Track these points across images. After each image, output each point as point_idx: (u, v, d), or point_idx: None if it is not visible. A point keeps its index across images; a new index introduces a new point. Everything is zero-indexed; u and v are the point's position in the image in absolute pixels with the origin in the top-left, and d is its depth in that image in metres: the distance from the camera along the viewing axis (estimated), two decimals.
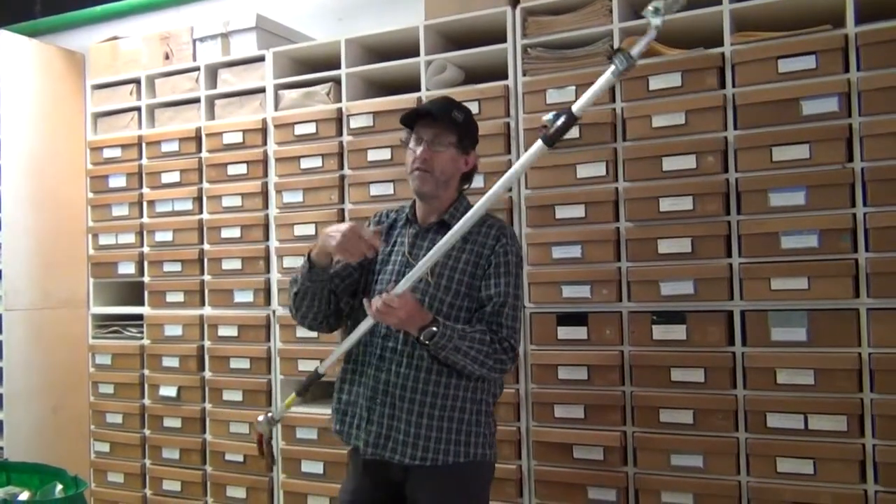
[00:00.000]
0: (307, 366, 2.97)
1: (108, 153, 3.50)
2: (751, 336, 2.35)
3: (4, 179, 3.52)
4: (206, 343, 3.23)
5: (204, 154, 3.27)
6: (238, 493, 3.13)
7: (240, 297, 3.15)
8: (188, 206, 3.28)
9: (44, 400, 3.59)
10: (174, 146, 3.33)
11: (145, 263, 3.38)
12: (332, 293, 2.04)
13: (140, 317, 3.42)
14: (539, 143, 1.88)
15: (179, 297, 3.29)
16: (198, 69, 3.31)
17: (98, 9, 3.91)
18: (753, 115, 2.36)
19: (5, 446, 3.45)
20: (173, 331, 3.30)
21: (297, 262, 2.90)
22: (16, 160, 3.56)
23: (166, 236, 3.32)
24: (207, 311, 3.23)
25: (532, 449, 2.62)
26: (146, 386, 3.36)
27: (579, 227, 2.57)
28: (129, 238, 3.43)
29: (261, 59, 3.18)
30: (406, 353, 1.96)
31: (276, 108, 3.14)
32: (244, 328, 3.14)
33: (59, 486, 2.73)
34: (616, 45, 1.84)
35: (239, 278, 3.15)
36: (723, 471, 2.36)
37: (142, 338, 3.40)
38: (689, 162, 2.43)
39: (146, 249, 3.38)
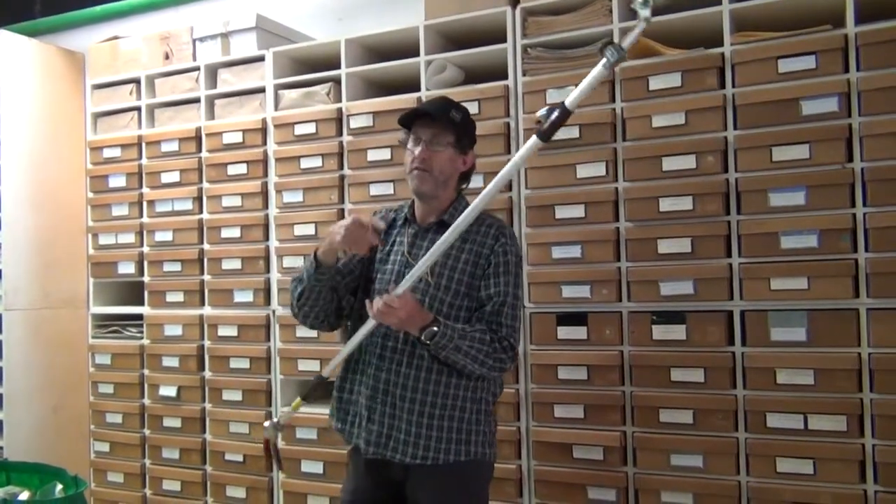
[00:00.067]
0: (307, 366, 2.98)
1: (107, 153, 3.50)
2: (751, 336, 2.35)
3: (4, 179, 3.52)
4: (206, 343, 3.23)
5: (204, 154, 3.27)
6: (238, 492, 3.13)
7: (240, 296, 3.15)
8: (188, 205, 3.28)
9: (44, 400, 3.59)
10: (174, 146, 3.33)
11: (145, 263, 3.38)
12: (334, 291, 2.04)
13: (140, 317, 3.42)
14: (533, 138, 1.89)
15: (179, 297, 3.29)
16: (198, 69, 3.32)
17: (98, 9, 3.91)
18: (753, 115, 2.36)
19: (5, 446, 3.45)
20: (173, 331, 3.30)
21: (297, 262, 2.93)
22: (16, 160, 3.56)
23: (166, 236, 3.32)
24: (207, 310, 3.23)
25: (532, 449, 2.62)
26: (146, 386, 3.37)
27: (579, 227, 2.57)
28: (129, 238, 3.43)
29: (261, 59, 3.18)
30: (406, 353, 1.97)
31: (276, 108, 3.14)
32: (244, 328, 3.14)
33: (59, 486, 2.73)
34: (624, 50, 1.85)
35: (239, 278, 3.15)
36: (722, 471, 2.36)
37: (142, 338, 3.40)
38: (688, 162, 2.43)
39: (146, 249, 3.38)
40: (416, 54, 2.85)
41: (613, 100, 2.55)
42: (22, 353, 3.53)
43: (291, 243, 3.04)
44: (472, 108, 2.66)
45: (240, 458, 3.13)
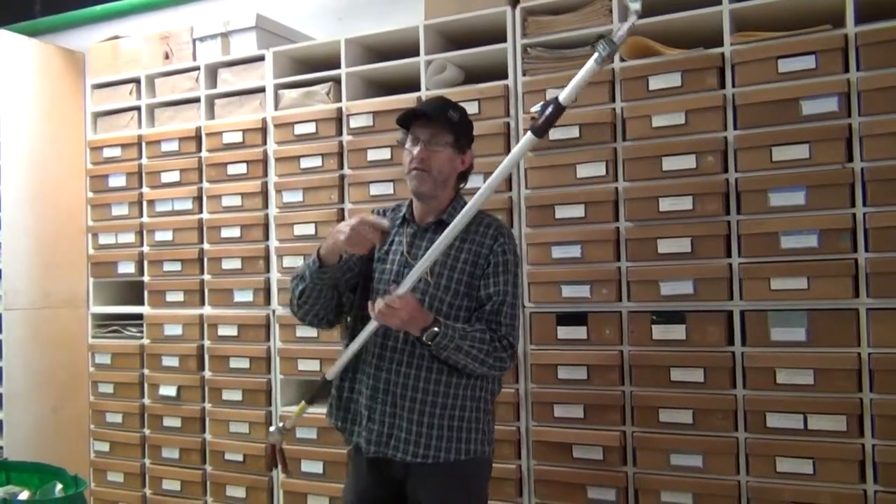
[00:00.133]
0: (307, 365, 2.98)
1: (107, 153, 3.50)
2: (750, 336, 2.35)
3: (4, 179, 3.52)
4: (206, 342, 3.23)
5: (204, 154, 3.27)
6: (238, 492, 3.13)
7: (239, 296, 3.15)
8: (188, 205, 3.28)
9: (43, 399, 3.59)
10: (174, 146, 3.33)
11: (145, 263, 3.38)
12: (334, 289, 2.04)
13: (140, 316, 3.42)
14: (528, 134, 1.90)
15: (179, 297, 3.29)
16: (198, 69, 3.32)
17: (98, 8, 3.91)
18: (753, 115, 2.36)
19: (5, 446, 3.45)
20: (173, 330, 3.30)
21: (297, 262, 2.93)
22: (16, 160, 3.56)
23: (166, 236, 3.32)
24: (207, 310, 3.23)
25: (532, 448, 2.62)
26: (146, 385, 3.37)
27: (579, 226, 2.57)
28: (129, 237, 3.43)
29: (261, 58, 3.18)
30: (406, 352, 1.98)
31: (276, 107, 3.14)
32: (244, 328, 3.14)
33: (59, 486, 2.73)
34: (615, 43, 1.86)
35: (239, 278, 3.15)
36: (722, 470, 2.36)
37: (141, 337, 3.40)
38: (688, 162, 2.43)
39: (146, 249, 3.38)
40: (416, 54, 2.85)
41: (613, 100, 2.55)
42: (22, 353, 3.53)
43: (291, 243, 3.04)
44: (472, 108, 2.67)
45: (240, 458, 3.13)
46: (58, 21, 4.02)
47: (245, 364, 3.13)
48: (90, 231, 3.57)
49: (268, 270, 3.10)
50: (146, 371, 3.36)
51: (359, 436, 2.02)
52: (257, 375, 3.11)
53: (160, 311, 3.34)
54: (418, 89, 2.85)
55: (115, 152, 3.47)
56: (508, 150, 2.68)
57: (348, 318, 2.13)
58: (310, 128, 3.03)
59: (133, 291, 3.49)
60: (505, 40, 2.72)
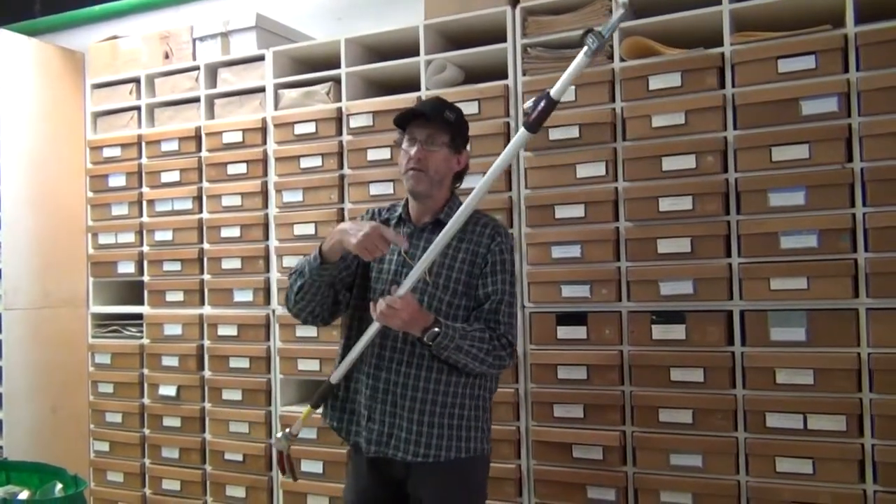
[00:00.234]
0: (307, 365, 2.98)
1: (107, 152, 3.50)
2: (750, 336, 2.35)
3: (4, 179, 3.52)
4: (206, 342, 3.23)
5: (204, 153, 3.27)
6: (237, 492, 3.13)
7: (239, 296, 3.15)
8: (188, 205, 3.28)
9: (43, 399, 3.59)
10: (174, 145, 3.33)
11: (145, 263, 3.38)
12: (331, 286, 2.05)
13: (140, 316, 3.42)
14: (522, 130, 1.91)
15: (179, 297, 3.29)
16: (197, 68, 3.32)
17: (98, 8, 3.91)
18: (753, 115, 2.36)
19: (5, 445, 3.45)
20: (173, 330, 3.30)
21: (298, 262, 2.92)
22: (16, 160, 3.56)
23: (166, 235, 3.32)
24: (207, 310, 3.23)
25: (531, 448, 2.62)
26: (146, 385, 3.37)
27: (579, 226, 2.57)
28: (129, 237, 3.43)
29: (261, 58, 3.18)
30: (406, 352, 1.98)
31: (276, 107, 3.14)
32: (244, 327, 3.14)
33: (59, 486, 2.73)
34: (604, 36, 1.87)
35: (239, 278, 3.15)
36: (722, 470, 2.36)
37: (141, 337, 3.40)
38: (688, 162, 2.43)
39: (146, 249, 3.38)
40: (416, 54, 2.85)
41: (613, 99, 2.55)
42: (21, 353, 3.53)
43: (291, 243, 3.04)
44: (472, 108, 2.67)
45: (239, 458, 3.13)
46: (57, 21, 4.02)
47: (245, 364, 3.13)
48: (90, 231, 3.57)
49: (268, 270, 3.10)
50: (146, 371, 3.36)
51: (358, 435, 2.02)
52: (257, 375, 3.11)
53: (160, 311, 3.34)
54: (418, 89, 2.85)
55: (115, 152, 3.47)
56: None
57: (348, 316, 2.13)
58: (310, 128, 3.03)
59: (133, 291, 3.49)
60: (505, 40, 2.72)
